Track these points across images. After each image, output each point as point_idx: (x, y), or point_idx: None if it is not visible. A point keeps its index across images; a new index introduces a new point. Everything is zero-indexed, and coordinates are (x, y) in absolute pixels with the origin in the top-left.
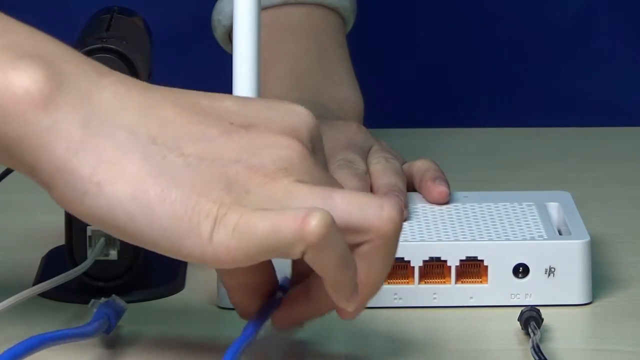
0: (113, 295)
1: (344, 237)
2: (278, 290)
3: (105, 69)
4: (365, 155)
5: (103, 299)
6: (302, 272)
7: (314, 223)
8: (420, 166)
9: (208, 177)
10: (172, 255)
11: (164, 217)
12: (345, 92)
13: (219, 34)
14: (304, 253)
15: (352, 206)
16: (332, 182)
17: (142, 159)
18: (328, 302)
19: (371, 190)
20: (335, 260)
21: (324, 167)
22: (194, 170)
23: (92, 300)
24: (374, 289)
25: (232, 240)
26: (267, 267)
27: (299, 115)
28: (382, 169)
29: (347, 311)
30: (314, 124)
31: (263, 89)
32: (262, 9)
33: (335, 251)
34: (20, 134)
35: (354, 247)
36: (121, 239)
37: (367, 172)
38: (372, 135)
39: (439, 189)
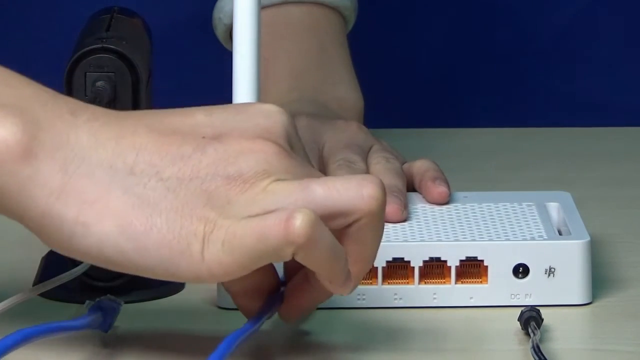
0: (108, 294)
1: (328, 227)
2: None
3: (79, 105)
4: (365, 155)
5: (98, 299)
6: (294, 267)
7: (298, 224)
8: (420, 166)
9: (189, 197)
10: (168, 279)
11: (153, 245)
12: (345, 91)
13: (219, 32)
14: (294, 254)
15: (332, 191)
16: (313, 174)
17: (122, 193)
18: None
19: None
20: (326, 255)
21: (303, 161)
22: (174, 193)
23: (87, 301)
24: (367, 266)
25: (223, 255)
26: (267, 268)
27: (271, 115)
28: (381, 169)
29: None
30: (287, 121)
31: (262, 88)
32: (262, 7)
33: (324, 246)
34: (2, 185)
35: (342, 230)
36: (119, 271)
37: (367, 172)
38: (372, 135)
39: (439, 189)
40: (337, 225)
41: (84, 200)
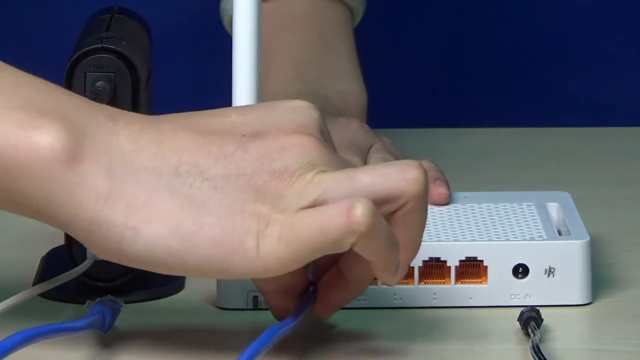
0: (108, 295)
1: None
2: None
3: (115, 111)
4: (365, 155)
5: (98, 299)
6: (324, 265)
7: (359, 213)
8: None
9: (237, 194)
10: (219, 277)
11: (205, 244)
12: (349, 84)
13: (226, 23)
14: (354, 244)
15: (377, 179)
16: (348, 164)
17: (170, 194)
18: (365, 280)
19: None
20: (384, 243)
21: (336, 153)
22: (222, 191)
23: (88, 302)
24: (414, 251)
25: (280, 249)
26: (301, 267)
27: (303, 111)
28: None
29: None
30: (318, 115)
31: (264, 80)
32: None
33: (382, 234)
34: (49, 193)
35: (388, 216)
36: (166, 273)
37: None
38: (373, 133)
39: (439, 191)
40: (384, 212)
41: (131, 205)
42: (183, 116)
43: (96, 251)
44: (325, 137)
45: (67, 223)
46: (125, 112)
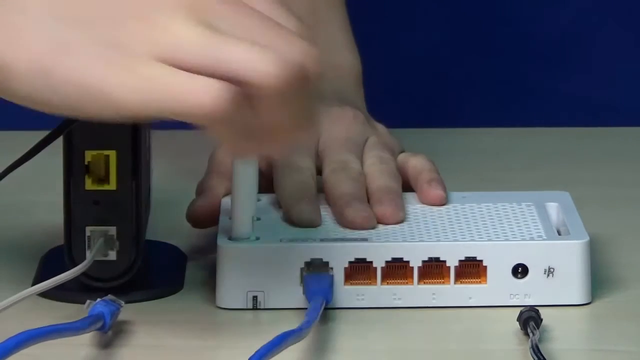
0: (109, 295)
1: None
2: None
3: None
4: (361, 150)
5: (99, 299)
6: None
7: (214, 98)
8: (415, 165)
9: (96, 36)
10: (76, 115)
11: (60, 83)
12: (341, 56)
13: None
14: (204, 124)
15: (240, 58)
16: (250, 29)
17: (39, 32)
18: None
19: (366, 191)
20: (238, 131)
21: (256, 16)
22: (87, 32)
23: (88, 301)
24: (285, 134)
25: (130, 95)
26: None
27: None
28: (376, 171)
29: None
30: None
31: None
32: None
33: (237, 122)
34: None
35: (251, 99)
36: (35, 109)
37: (362, 171)
38: (368, 123)
39: (435, 193)
40: (243, 93)
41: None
42: None
43: None
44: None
45: None
46: None
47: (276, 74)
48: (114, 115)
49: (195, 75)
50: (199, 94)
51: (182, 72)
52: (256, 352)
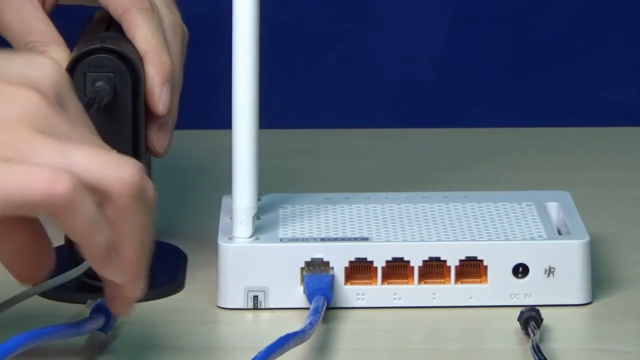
0: None
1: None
2: None
3: None
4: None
5: (100, 299)
6: None
7: (65, 184)
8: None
9: None
10: None
11: None
12: None
13: None
14: (53, 214)
15: (92, 164)
16: (83, 138)
17: None
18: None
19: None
20: (86, 223)
21: (74, 122)
22: None
23: (89, 301)
24: (134, 256)
25: None
26: (35, 229)
27: (41, 67)
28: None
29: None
30: (59, 76)
31: None
32: None
33: (86, 214)
34: None
35: (104, 209)
36: None
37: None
38: None
39: (160, 141)
40: (95, 201)
41: None
42: None
43: None
44: (64, 103)
45: None
46: None
47: (136, 181)
48: None
49: (34, 164)
50: (46, 180)
51: (31, 166)
52: (259, 353)
